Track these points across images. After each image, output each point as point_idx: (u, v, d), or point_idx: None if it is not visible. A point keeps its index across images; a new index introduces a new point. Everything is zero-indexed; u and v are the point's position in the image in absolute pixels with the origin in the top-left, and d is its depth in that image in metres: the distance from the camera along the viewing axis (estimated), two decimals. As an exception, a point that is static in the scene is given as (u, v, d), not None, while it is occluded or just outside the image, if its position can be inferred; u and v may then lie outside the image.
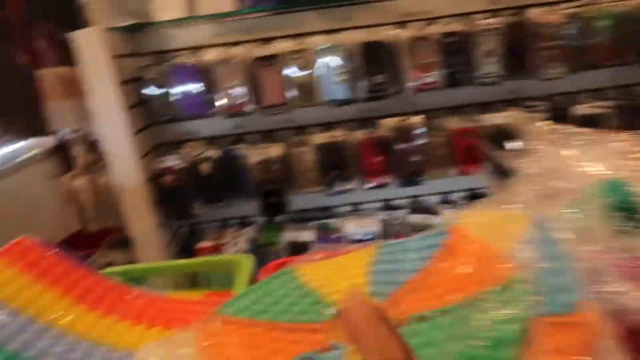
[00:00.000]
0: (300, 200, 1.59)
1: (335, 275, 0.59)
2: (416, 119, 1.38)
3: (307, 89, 1.36)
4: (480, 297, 0.44)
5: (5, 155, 2.33)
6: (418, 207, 1.70)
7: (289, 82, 1.37)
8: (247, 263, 0.67)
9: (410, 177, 1.45)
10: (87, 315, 0.60)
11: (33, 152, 2.20)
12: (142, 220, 1.46)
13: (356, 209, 1.72)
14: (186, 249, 1.64)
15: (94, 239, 1.67)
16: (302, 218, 1.66)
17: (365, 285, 0.55)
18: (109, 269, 0.68)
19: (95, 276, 0.66)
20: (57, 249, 0.67)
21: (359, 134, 1.47)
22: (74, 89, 1.48)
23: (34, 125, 2.74)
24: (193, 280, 0.76)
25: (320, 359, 0.46)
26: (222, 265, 0.70)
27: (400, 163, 1.43)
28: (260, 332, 0.53)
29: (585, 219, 0.45)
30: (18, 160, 2.19)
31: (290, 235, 1.58)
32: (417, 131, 1.38)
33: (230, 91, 1.35)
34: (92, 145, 2.03)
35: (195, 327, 0.53)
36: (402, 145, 1.39)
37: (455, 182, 1.64)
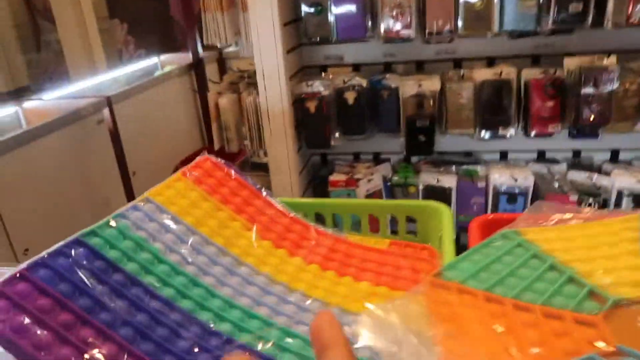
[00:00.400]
0: (443, 141, 1.45)
1: (593, 250, 0.46)
2: (610, 60, 1.15)
3: (481, 16, 1.18)
4: None
5: (145, 69, 2.41)
6: (580, 164, 1.49)
7: (461, 6, 1.19)
8: (447, 213, 0.57)
9: (586, 128, 1.24)
10: (274, 253, 0.53)
11: (171, 68, 2.25)
12: (281, 145, 1.42)
13: (505, 158, 1.55)
14: (318, 178, 1.59)
15: (228, 158, 1.67)
16: (442, 161, 1.52)
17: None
18: (285, 199, 0.61)
19: (275, 207, 0.60)
20: (236, 173, 0.61)
21: (531, 73, 1.27)
22: (231, 2, 1.42)
23: (172, 42, 2.80)
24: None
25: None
26: (413, 209, 0.61)
27: (576, 110, 1.22)
28: (504, 312, 0.42)
29: None
30: (157, 74, 2.25)
31: (428, 177, 1.46)
32: (608, 75, 1.15)
33: (392, 13, 1.21)
34: (224, 64, 2.01)
35: (422, 290, 0.44)
36: (585, 90, 1.18)
37: (633, 139, 1.40)
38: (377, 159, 1.64)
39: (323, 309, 0.49)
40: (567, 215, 0.52)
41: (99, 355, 0.32)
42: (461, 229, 1.41)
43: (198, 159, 0.58)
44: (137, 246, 0.42)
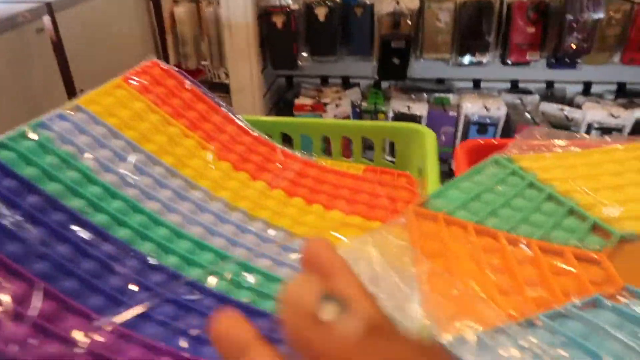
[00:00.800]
0: (416, 67, 1.37)
1: (595, 180, 0.41)
2: (598, -16, 1.08)
3: None
4: None
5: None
6: (554, 95, 1.45)
7: None
8: (431, 136, 0.51)
9: (565, 58, 1.19)
10: (233, 176, 0.47)
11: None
12: (243, 63, 1.31)
13: (477, 87, 1.49)
14: (282, 101, 1.50)
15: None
16: (413, 88, 1.45)
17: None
18: (248, 116, 0.54)
19: (236, 124, 0.52)
20: (192, 83, 0.53)
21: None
22: None
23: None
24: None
25: (613, 309, 0.31)
26: (392, 131, 0.54)
27: (558, 38, 1.16)
28: (497, 247, 0.37)
29: None
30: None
31: (399, 104, 1.40)
32: (595, 1, 1.08)
33: None
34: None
35: (404, 221, 0.39)
36: (570, 16, 1.11)
37: (606, 71, 1.36)
38: (346, 84, 1.55)
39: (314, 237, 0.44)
40: (562, 142, 0.47)
41: (4, 297, 0.25)
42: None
43: (144, 63, 0.50)
44: (62, 163, 0.34)
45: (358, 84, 1.54)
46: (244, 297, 0.32)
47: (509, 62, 1.26)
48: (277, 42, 1.32)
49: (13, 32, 1.42)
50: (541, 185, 0.39)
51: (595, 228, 0.35)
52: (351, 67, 1.48)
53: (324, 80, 1.58)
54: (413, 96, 1.42)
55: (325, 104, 1.40)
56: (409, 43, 1.23)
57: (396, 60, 1.26)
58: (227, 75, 1.49)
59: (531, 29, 1.19)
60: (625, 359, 0.25)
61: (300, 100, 1.43)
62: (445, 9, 1.24)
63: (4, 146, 0.33)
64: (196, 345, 0.28)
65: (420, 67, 1.40)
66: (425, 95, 1.43)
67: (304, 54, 1.39)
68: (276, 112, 1.51)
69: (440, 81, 1.50)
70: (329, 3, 1.30)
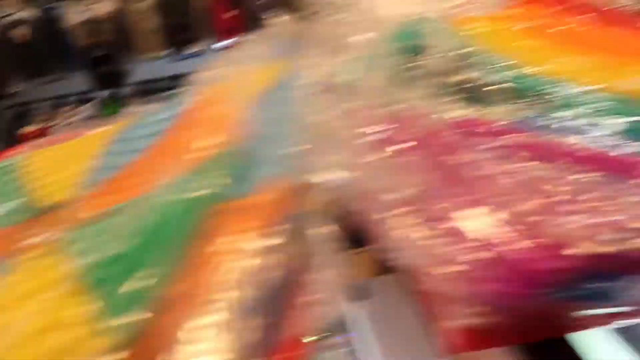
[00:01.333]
0: (143, 69, 1.35)
1: (60, 163, 0.43)
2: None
3: None
4: (167, 183, 0.33)
5: None
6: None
7: None
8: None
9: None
10: None
11: None
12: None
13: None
14: (10, 135, 1.38)
15: None
16: (150, 89, 1.43)
17: (84, 173, 0.39)
18: None
19: None
20: None
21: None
22: None
23: None
24: None
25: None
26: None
27: (256, 17, 1.23)
28: None
29: (363, 68, 0.34)
30: None
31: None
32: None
33: None
34: None
35: None
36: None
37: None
38: (84, 100, 1.47)
39: None
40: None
41: None
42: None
43: None
44: None
45: (97, 97, 1.47)
46: None
47: (218, 46, 1.30)
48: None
49: None
50: (18, 179, 0.40)
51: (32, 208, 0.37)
52: (80, 82, 1.41)
53: (61, 100, 1.48)
54: (148, 98, 1.40)
55: (52, 127, 1.31)
56: (110, 48, 1.21)
57: (105, 68, 1.23)
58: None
59: (231, 13, 1.24)
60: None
61: (27, 129, 1.33)
62: (144, 7, 1.23)
63: None
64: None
65: (148, 68, 1.38)
66: (160, 95, 1.41)
67: (19, 80, 1.29)
68: (5, 147, 1.38)
69: (176, 77, 1.49)
70: (27, 20, 1.22)
